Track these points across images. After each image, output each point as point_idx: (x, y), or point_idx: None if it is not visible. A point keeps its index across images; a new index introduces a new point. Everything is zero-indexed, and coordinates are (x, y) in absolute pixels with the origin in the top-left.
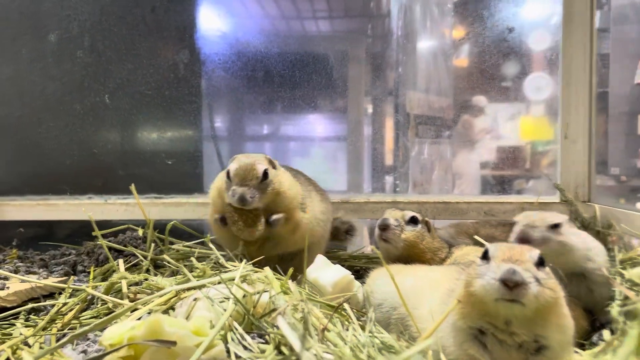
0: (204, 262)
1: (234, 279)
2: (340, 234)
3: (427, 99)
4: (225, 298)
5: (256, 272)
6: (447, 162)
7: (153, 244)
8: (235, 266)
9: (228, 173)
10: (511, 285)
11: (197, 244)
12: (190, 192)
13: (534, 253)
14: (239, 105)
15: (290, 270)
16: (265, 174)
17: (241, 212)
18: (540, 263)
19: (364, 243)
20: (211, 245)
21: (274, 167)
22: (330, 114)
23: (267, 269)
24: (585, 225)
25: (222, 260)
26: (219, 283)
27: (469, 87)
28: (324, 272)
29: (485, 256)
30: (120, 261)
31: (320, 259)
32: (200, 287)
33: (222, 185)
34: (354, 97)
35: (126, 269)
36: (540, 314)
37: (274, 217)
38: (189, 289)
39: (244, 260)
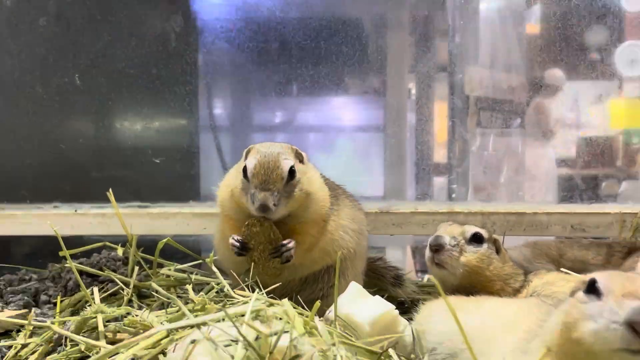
0: (202, 292)
1: (243, 315)
2: (384, 280)
3: (493, 77)
4: (232, 340)
5: (272, 304)
6: (519, 159)
7: (137, 267)
8: (245, 297)
9: (245, 170)
10: None
11: (193, 267)
12: (184, 199)
13: None
14: (247, 87)
15: (317, 304)
16: (292, 172)
17: (267, 228)
18: None
19: (406, 265)
20: (214, 269)
21: (302, 160)
22: (363, 97)
23: (285, 301)
24: None
25: (227, 288)
26: (224, 320)
27: (545, 60)
28: (360, 305)
29: (592, 290)
30: (95, 289)
31: (354, 288)
32: (199, 326)
33: (237, 184)
34: (394, 75)
35: (103, 300)
36: None
37: (287, 246)
38: (184, 328)
39: (257, 290)
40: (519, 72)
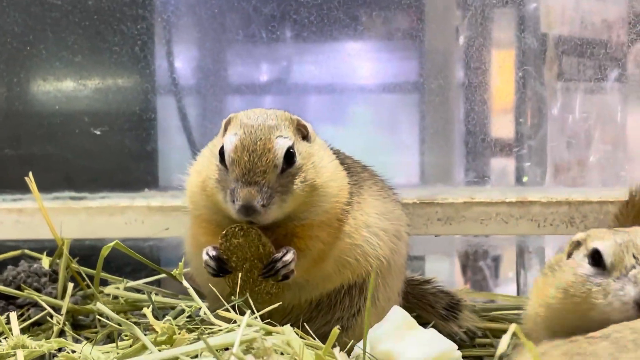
0: (168, 316)
1: (229, 348)
2: (432, 311)
3: (581, 9)
4: None
5: (269, 333)
6: (618, 127)
7: (71, 285)
8: (230, 322)
9: (222, 153)
10: None
11: (151, 284)
12: (137, 187)
13: None
14: (221, 29)
15: (334, 331)
16: (290, 155)
17: (253, 238)
18: None
19: (455, 281)
20: (185, 284)
21: (306, 136)
22: (389, 42)
23: (288, 329)
24: None
25: (204, 311)
26: (202, 355)
27: None
28: (405, 340)
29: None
30: (13, 316)
31: (398, 314)
32: None
33: (212, 174)
34: (434, 10)
35: (23, 331)
36: None
37: (282, 259)
38: None
39: (247, 313)
40: (620, 1)
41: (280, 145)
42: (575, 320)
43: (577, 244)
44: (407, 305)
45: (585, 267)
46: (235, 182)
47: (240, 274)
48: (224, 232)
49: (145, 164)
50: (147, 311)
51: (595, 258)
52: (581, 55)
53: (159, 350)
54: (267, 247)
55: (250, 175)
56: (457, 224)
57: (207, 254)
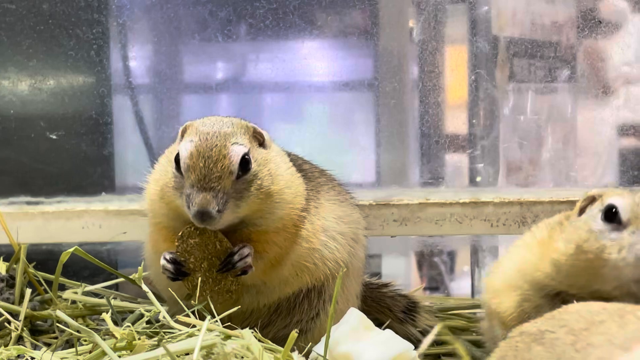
0: (126, 321)
1: (190, 353)
2: (390, 314)
3: (531, 11)
4: None
5: (229, 337)
6: (569, 126)
7: (29, 290)
8: (190, 327)
9: (178, 160)
10: None
11: (110, 288)
12: (94, 191)
13: None
14: (177, 32)
15: (292, 335)
16: (245, 162)
17: (209, 237)
18: None
19: (411, 282)
20: (145, 288)
21: (262, 143)
22: (344, 41)
23: (247, 333)
24: None
25: (164, 315)
26: None
27: None
28: (363, 341)
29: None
30: None
31: (355, 316)
32: None
33: (169, 181)
34: (389, 10)
35: None
36: None
37: (239, 252)
38: None
39: (207, 318)
40: (568, 3)
41: (236, 152)
42: (587, 278)
43: (592, 200)
44: (366, 309)
45: (600, 223)
46: (190, 188)
47: (199, 275)
48: (180, 234)
49: (102, 168)
50: (106, 316)
51: (611, 214)
52: (532, 57)
53: (119, 357)
54: (224, 243)
55: (205, 181)
56: (412, 224)
57: (165, 258)
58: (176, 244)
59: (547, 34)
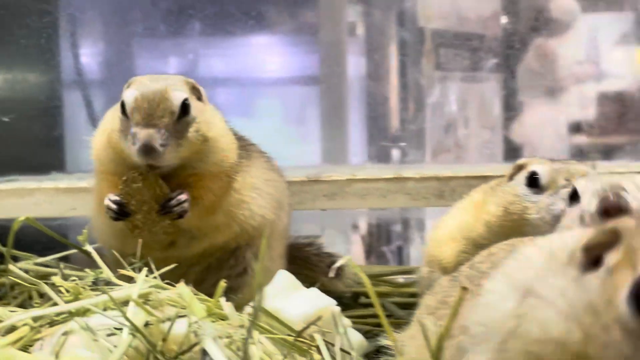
0: (74, 278)
1: (129, 301)
2: (317, 270)
3: (457, 5)
4: (116, 329)
5: (165, 289)
6: (492, 111)
7: None
8: (130, 282)
9: (123, 105)
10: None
11: (59, 260)
12: (44, 170)
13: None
14: (127, 22)
15: (221, 284)
16: (185, 106)
17: (150, 182)
18: None
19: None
20: (89, 249)
21: (200, 97)
22: (290, 36)
23: (181, 285)
24: None
25: (108, 274)
26: (105, 310)
27: None
28: (291, 299)
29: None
30: None
31: (283, 277)
32: (74, 314)
33: (115, 126)
34: (328, 5)
35: None
36: None
37: (176, 198)
38: (55, 320)
39: (144, 270)
40: None
41: (177, 96)
42: (513, 236)
43: (519, 168)
44: (295, 267)
45: (524, 188)
46: (136, 127)
47: (139, 216)
48: (124, 178)
49: (52, 149)
50: (56, 278)
51: (532, 179)
52: (457, 47)
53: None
54: (163, 188)
55: (149, 119)
56: (341, 198)
57: (109, 199)
58: (120, 187)
59: (473, 25)
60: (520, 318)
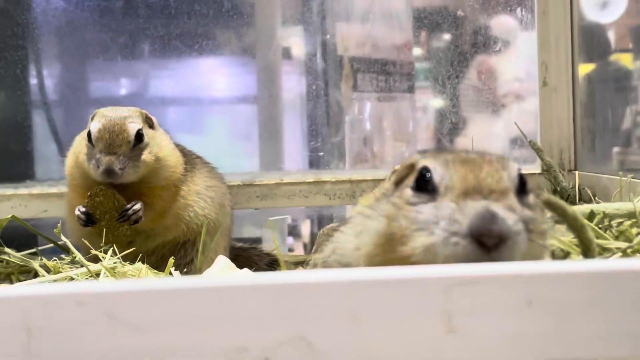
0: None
1: (98, 274)
2: (257, 266)
3: (372, 35)
4: None
5: (125, 265)
6: (406, 125)
7: None
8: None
9: (89, 135)
10: (491, 243)
11: (31, 255)
12: (18, 179)
13: (512, 171)
14: (86, 51)
15: (171, 260)
16: (139, 135)
17: (110, 196)
18: (524, 187)
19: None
20: (64, 238)
21: (152, 125)
22: (238, 58)
23: (138, 263)
24: (564, 198)
25: (79, 257)
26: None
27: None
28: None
29: (424, 184)
30: None
31: (222, 261)
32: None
33: (83, 150)
34: (265, 34)
35: None
36: None
37: (132, 208)
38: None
39: (110, 250)
40: (404, 28)
41: (132, 127)
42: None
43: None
44: (239, 264)
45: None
46: (99, 154)
47: (103, 223)
48: (89, 193)
49: (25, 161)
50: (35, 264)
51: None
52: (373, 72)
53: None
54: (120, 201)
55: (110, 148)
56: (271, 199)
57: (79, 210)
58: (86, 201)
59: (387, 52)
60: (361, 234)
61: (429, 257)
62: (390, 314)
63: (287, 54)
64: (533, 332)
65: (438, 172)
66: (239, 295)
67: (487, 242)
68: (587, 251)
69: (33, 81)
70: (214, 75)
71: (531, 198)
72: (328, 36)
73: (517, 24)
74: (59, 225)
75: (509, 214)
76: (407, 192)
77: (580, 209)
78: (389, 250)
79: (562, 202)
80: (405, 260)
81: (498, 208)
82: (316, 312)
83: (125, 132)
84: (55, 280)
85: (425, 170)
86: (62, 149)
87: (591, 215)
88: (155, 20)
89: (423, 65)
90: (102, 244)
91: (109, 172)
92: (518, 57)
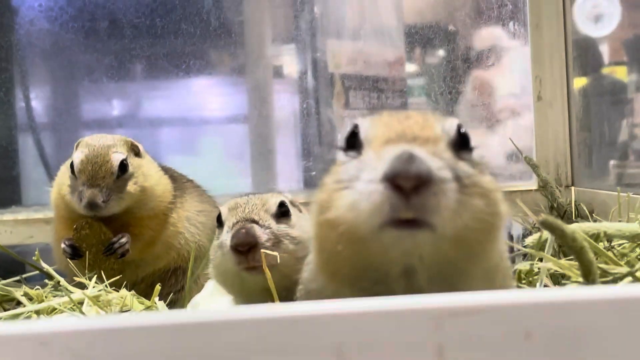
0: (37, 286)
1: (82, 302)
2: None
3: (364, 52)
4: None
5: (110, 293)
6: None
7: None
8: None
9: (72, 166)
10: (408, 186)
11: (16, 282)
12: (5, 205)
13: (448, 123)
14: (73, 73)
15: (157, 288)
16: (124, 166)
17: (96, 228)
18: (464, 142)
19: None
20: (43, 265)
21: (137, 153)
22: (223, 79)
23: (123, 290)
24: (561, 215)
25: (62, 282)
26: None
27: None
28: (217, 303)
29: (351, 143)
30: None
31: (212, 286)
32: (40, 313)
33: (66, 182)
34: (254, 52)
35: None
36: (466, 247)
37: (119, 241)
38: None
39: (94, 277)
40: (397, 44)
41: (116, 158)
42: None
43: None
44: None
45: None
46: (82, 186)
47: (90, 256)
48: (75, 226)
49: (11, 186)
50: (18, 293)
51: (219, 220)
52: (365, 89)
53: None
54: (107, 234)
55: (93, 180)
56: None
57: (64, 243)
58: (73, 233)
59: (379, 68)
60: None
61: (355, 215)
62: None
63: (277, 72)
64: None
65: (365, 126)
66: (208, 331)
67: (403, 185)
68: (587, 274)
69: (19, 104)
70: (204, 95)
71: (475, 157)
72: (319, 54)
73: (509, 38)
74: (36, 252)
75: (432, 158)
76: (339, 155)
77: (581, 227)
78: (326, 233)
79: (560, 222)
80: (343, 235)
81: (419, 151)
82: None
83: (108, 162)
84: (37, 311)
85: (354, 127)
86: (50, 175)
87: (597, 237)
88: (141, 41)
89: (416, 82)
90: (87, 272)
91: (91, 205)
92: (512, 71)
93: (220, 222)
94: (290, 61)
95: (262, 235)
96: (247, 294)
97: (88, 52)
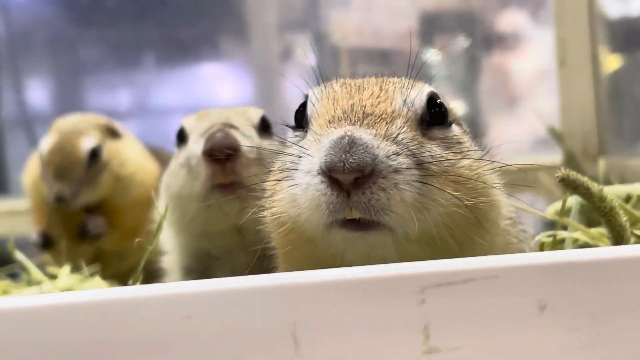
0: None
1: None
2: None
3: (372, 23)
4: None
5: (84, 282)
6: None
7: None
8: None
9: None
10: (345, 179)
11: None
12: None
13: (415, 93)
14: (72, 58)
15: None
16: (95, 155)
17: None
18: (439, 116)
19: None
20: (19, 255)
21: (115, 134)
22: (241, 65)
23: (97, 278)
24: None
25: (33, 275)
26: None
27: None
28: None
29: (299, 119)
30: None
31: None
32: None
33: (36, 172)
34: (258, 37)
35: None
36: (444, 248)
37: (93, 223)
38: None
39: (68, 265)
40: (407, 12)
41: (85, 146)
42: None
43: None
44: None
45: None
46: (51, 179)
47: (64, 242)
48: (47, 213)
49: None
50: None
51: (180, 136)
52: (375, 63)
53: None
54: (80, 217)
55: (61, 172)
56: None
57: (35, 232)
58: (44, 220)
59: (390, 42)
60: None
61: (297, 213)
62: None
63: (286, 54)
64: None
65: (313, 100)
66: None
67: (340, 179)
68: (619, 241)
69: (6, 95)
70: (218, 82)
71: (455, 133)
72: (325, 25)
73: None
74: (10, 241)
75: (381, 142)
76: (289, 134)
77: (612, 190)
78: (274, 229)
79: (584, 179)
80: (291, 234)
81: (364, 134)
82: None
83: (77, 152)
84: None
85: (305, 99)
86: None
87: (627, 199)
88: (159, 17)
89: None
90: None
91: (59, 199)
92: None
93: (182, 138)
94: (297, 44)
95: (244, 141)
96: (211, 234)
97: (91, 32)
